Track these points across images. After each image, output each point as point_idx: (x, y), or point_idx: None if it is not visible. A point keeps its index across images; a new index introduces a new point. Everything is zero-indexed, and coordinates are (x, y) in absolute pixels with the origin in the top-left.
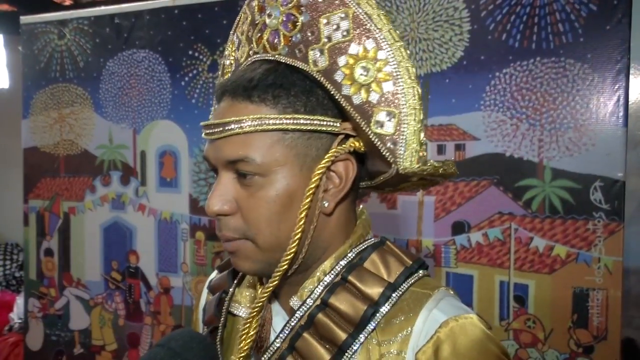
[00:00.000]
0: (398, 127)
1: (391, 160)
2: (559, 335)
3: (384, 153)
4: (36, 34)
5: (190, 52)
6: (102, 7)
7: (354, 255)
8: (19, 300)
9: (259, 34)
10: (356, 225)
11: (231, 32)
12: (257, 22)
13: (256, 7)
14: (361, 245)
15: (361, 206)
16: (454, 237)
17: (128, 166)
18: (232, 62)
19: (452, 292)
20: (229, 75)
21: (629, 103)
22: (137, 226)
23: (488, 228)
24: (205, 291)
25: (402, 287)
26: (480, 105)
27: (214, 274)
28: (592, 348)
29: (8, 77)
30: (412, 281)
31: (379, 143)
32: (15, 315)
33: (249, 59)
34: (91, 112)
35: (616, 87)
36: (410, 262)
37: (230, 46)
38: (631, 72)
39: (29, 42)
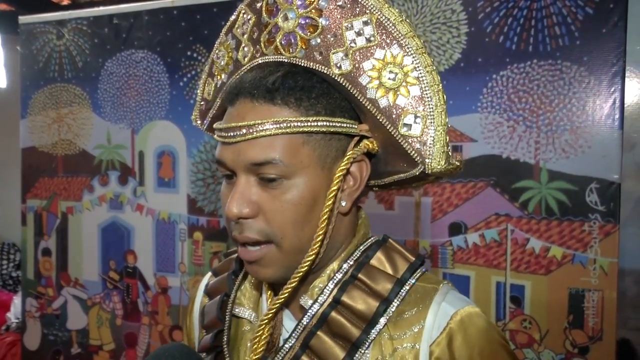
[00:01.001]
0: (425, 129)
1: (419, 161)
2: (554, 336)
3: (411, 154)
4: (35, 34)
5: (188, 53)
6: (101, 8)
7: (359, 253)
8: (16, 300)
9: (268, 36)
10: (359, 225)
11: (223, 33)
12: (265, 23)
13: (264, 9)
14: (366, 243)
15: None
16: (451, 238)
17: (126, 166)
18: (229, 62)
19: (452, 286)
20: (225, 75)
21: (625, 105)
22: (135, 226)
23: (485, 229)
24: (200, 295)
25: (409, 282)
26: (478, 107)
27: (207, 278)
28: (587, 349)
29: (6, 76)
30: (417, 276)
31: (406, 145)
32: (13, 314)
33: (254, 61)
34: (89, 112)
35: (612, 90)
36: (413, 259)
37: (224, 47)
38: (627, 74)
39: (27, 42)
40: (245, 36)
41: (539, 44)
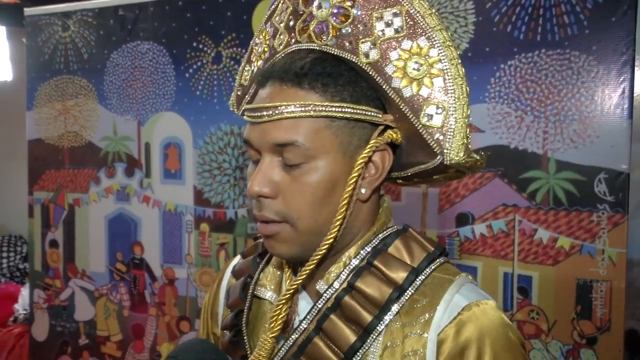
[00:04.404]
0: (446, 120)
1: (438, 152)
2: (562, 327)
3: (431, 144)
4: (40, 26)
5: (194, 44)
6: None
7: (378, 241)
8: (24, 292)
9: (303, 24)
10: (379, 213)
11: (263, 22)
12: (301, 12)
13: None
14: (385, 232)
15: (382, 194)
16: (458, 229)
17: (132, 158)
18: (266, 49)
19: (471, 279)
20: (261, 62)
21: (634, 95)
22: (141, 218)
23: (492, 220)
24: (227, 276)
25: (425, 272)
26: (485, 97)
27: (237, 259)
28: (595, 339)
29: (12, 69)
30: (434, 267)
31: (426, 135)
32: (20, 306)
33: (289, 47)
34: (95, 104)
35: (621, 79)
36: (432, 249)
37: (264, 35)
38: (636, 64)
39: (33, 34)
40: (282, 24)
41: (547, 33)
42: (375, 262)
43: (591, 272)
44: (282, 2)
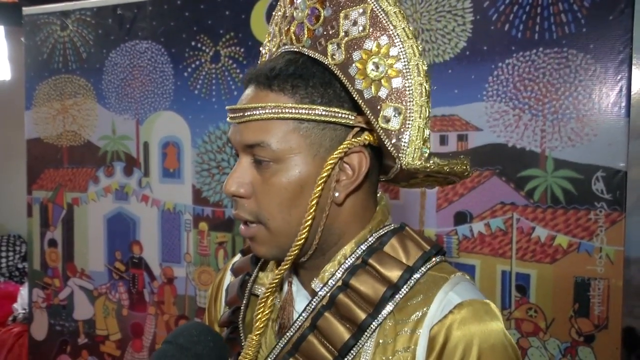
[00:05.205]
0: (403, 123)
1: (395, 156)
2: (560, 325)
3: (389, 148)
4: (38, 25)
5: (193, 43)
6: None
7: (374, 239)
8: (23, 291)
9: (287, 26)
10: (376, 212)
11: (269, 25)
12: (287, 14)
13: (288, 0)
14: (381, 231)
15: (380, 193)
16: (456, 227)
17: (131, 157)
18: (267, 52)
19: (468, 278)
20: None
21: (632, 93)
22: (140, 217)
23: (490, 218)
24: (228, 273)
25: (420, 270)
26: (483, 96)
27: (237, 257)
28: (593, 337)
29: (10, 68)
30: (430, 265)
31: (384, 138)
32: (19, 305)
33: (279, 50)
34: (94, 103)
35: (619, 78)
36: (429, 247)
37: (267, 37)
38: (634, 62)
39: (31, 34)
40: (277, 27)
41: (544, 31)
42: (370, 261)
43: (589, 270)
44: (280, 3)
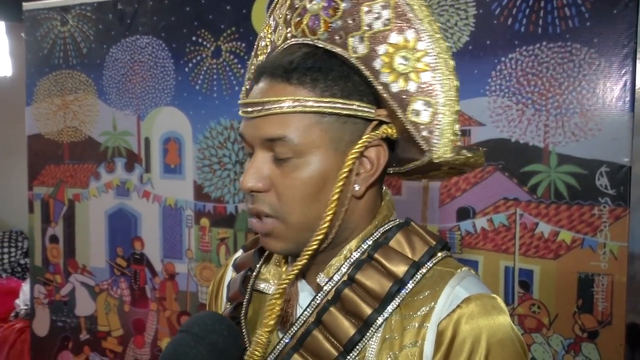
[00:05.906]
0: (434, 117)
1: (425, 149)
2: (563, 321)
3: (418, 141)
4: (39, 21)
5: (193, 38)
6: None
7: (379, 234)
8: (25, 287)
9: (298, 18)
10: (381, 207)
11: (267, 15)
12: (296, 6)
13: None
14: (386, 225)
15: (384, 188)
16: (459, 223)
17: (132, 153)
18: (268, 44)
19: (474, 273)
20: (264, 56)
21: (636, 88)
22: (141, 213)
23: (493, 214)
24: (230, 269)
25: (426, 265)
26: (486, 91)
27: (239, 253)
28: (596, 333)
29: (11, 64)
30: (436, 260)
31: (414, 131)
32: (21, 301)
33: (286, 42)
34: (95, 98)
35: (623, 72)
36: (434, 242)
37: (267, 28)
38: (638, 56)
39: (31, 29)
40: (281, 18)
41: (548, 25)
42: (376, 255)
43: (592, 266)
44: None
